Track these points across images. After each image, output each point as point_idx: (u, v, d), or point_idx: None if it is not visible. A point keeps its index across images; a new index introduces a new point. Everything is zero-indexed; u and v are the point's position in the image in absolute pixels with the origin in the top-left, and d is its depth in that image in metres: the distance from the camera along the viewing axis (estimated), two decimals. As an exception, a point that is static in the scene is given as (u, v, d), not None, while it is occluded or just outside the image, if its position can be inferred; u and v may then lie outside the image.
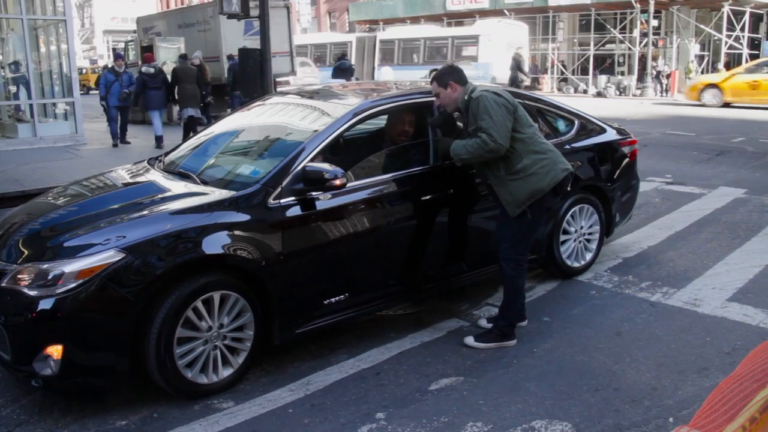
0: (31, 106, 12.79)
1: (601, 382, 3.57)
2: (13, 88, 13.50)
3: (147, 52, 16.28)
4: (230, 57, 16.69)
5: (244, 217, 3.53)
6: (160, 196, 3.83)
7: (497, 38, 24.60)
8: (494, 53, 23.88)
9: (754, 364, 1.54)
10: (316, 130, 3.98)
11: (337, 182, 3.61)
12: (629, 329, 4.25)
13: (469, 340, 4.04)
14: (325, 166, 3.65)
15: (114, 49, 21.61)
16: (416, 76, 23.02)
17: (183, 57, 14.28)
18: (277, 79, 15.28)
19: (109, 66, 14.49)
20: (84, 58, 50.89)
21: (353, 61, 25.68)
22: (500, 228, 4.07)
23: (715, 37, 26.18)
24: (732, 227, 6.47)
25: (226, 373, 3.53)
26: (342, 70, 17.56)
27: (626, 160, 5.53)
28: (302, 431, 3.17)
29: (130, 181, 4.36)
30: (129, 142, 13.06)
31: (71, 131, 13.15)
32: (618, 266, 5.45)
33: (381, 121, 4.63)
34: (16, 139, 12.55)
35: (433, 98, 4.16)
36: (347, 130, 4.07)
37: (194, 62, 14.13)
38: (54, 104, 13.83)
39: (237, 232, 3.47)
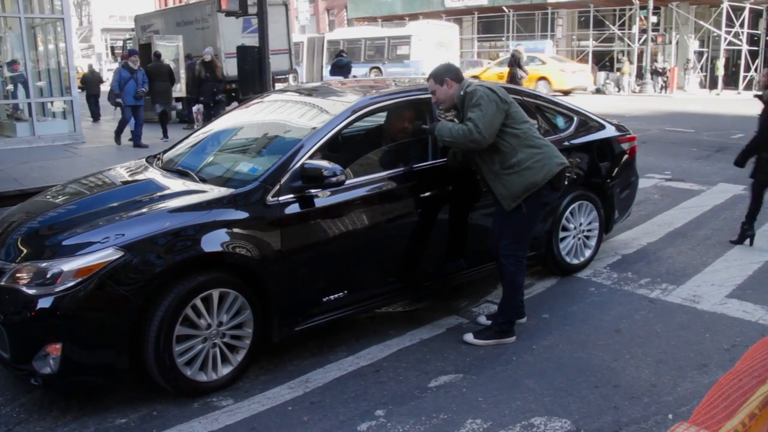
0: (29, 104, 12.76)
1: (600, 379, 3.57)
2: (11, 87, 13.47)
3: (148, 50, 16.31)
4: (188, 57, 16.37)
5: (242, 215, 3.52)
6: (158, 194, 3.82)
7: (427, 38, 26.85)
8: (424, 52, 25.96)
9: (754, 360, 1.54)
10: (314, 128, 3.97)
11: (336, 179, 3.60)
12: (628, 326, 4.25)
13: (469, 337, 4.04)
14: (324, 163, 3.65)
15: (123, 46, 21.19)
16: (359, 73, 24.84)
17: (156, 56, 14.25)
18: (276, 77, 15.26)
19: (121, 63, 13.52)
20: (83, 56, 50.64)
21: (305, 61, 26.88)
22: (497, 225, 4.08)
23: (714, 34, 26.16)
24: (731, 224, 6.46)
25: (225, 371, 3.52)
26: (339, 66, 17.54)
27: (625, 156, 5.52)
28: (301, 429, 3.17)
29: (129, 179, 4.35)
30: (146, 145, 11.89)
31: (69, 130, 13.12)
32: (617, 263, 5.44)
33: (380, 119, 4.63)
34: (15, 138, 12.52)
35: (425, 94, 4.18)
36: (346, 127, 4.07)
37: (206, 58, 13.95)
38: (52, 103, 13.80)
39: (236, 230, 3.47)
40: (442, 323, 4.35)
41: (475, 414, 3.24)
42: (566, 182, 4.19)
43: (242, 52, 11.47)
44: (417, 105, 4.39)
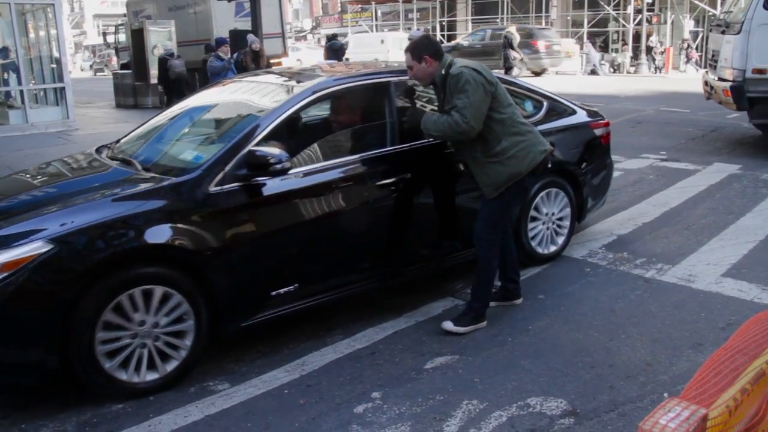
0: (21, 92, 12.68)
1: (596, 358, 3.58)
2: (4, 75, 13.38)
3: (141, 36, 16.30)
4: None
5: (183, 205, 3.35)
6: (97, 184, 3.66)
7: None
8: None
9: (746, 336, 1.54)
10: (262, 111, 3.79)
11: (281, 166, 3.44)
12: (624, 306, 4.26)
13: (448, 325, 3.92)
14: (270, 149, 3.47)
15: (115, 32, 20.68)
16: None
17: None
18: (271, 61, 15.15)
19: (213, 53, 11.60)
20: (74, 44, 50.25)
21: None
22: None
23: (710, 13, 26.01)
24: (726, 203, 6.47)
25: (150, 377, 3.31)
26: (333, 50, 17.43)
27: (598, 142, 5.32)
28: (298, 412, 3.18)
29: (75, 169, 4.20)
30: None
31: (63, 117, 13.05)
32: (612, 243, 5.45)
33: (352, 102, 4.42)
34: (8, 126, 12.46)
35: (397, 77, 4.09)
36: (302, 109, 3.89)
37: (254, 47, 11.99)
38: (44, 90, 13.72)
39: (176, 221, 3.28)
40: (438, 305, 4.35)
41: (471, 395, 3.25)
42: (549, 165, 4.11)
43: (235, 36, 11.39)
44: (382, 88, 4.18)
